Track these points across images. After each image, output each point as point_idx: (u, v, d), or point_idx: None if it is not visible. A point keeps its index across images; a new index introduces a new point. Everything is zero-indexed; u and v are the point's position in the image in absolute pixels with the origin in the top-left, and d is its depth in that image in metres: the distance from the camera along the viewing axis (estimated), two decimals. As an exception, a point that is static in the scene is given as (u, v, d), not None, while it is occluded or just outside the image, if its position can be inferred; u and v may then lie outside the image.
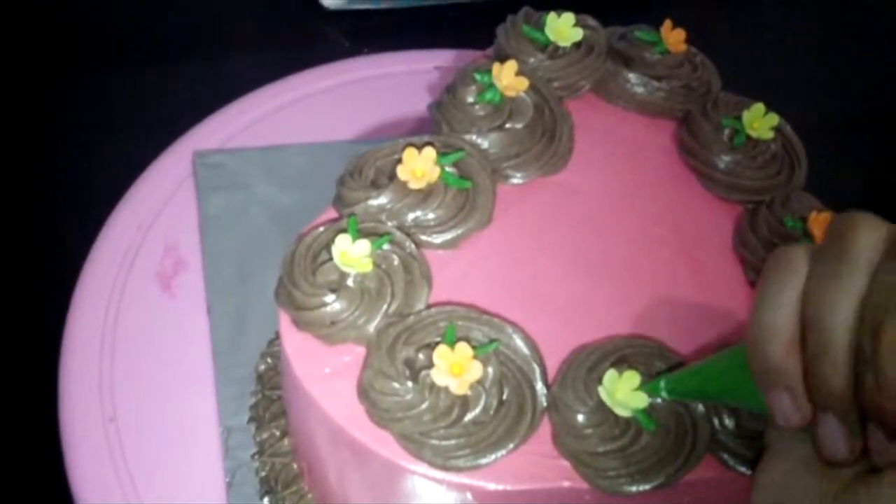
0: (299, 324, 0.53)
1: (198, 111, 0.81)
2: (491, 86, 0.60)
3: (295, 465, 0.61)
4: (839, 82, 1.04)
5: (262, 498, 0.62)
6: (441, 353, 0.49)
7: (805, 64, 1.06)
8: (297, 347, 0.53)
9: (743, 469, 0.51)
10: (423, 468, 0.50)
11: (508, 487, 0.50)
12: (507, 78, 0.60)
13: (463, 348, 0.49)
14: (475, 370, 0.49)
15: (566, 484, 0.50)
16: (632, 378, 0.50)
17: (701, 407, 0.51)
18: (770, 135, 0.62)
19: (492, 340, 0.51)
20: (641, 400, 0.50)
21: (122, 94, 0.88)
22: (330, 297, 0.52)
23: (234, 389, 0.66)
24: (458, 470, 0.49)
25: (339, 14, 0.98)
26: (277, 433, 0.62)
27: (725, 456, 0.51)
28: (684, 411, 0.51)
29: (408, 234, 0.55)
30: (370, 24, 0.98)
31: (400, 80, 0.85)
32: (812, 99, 0.99)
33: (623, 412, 0.49)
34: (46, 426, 0.65)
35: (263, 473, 0.62)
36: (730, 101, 0.64)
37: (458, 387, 0.49)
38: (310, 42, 0.98)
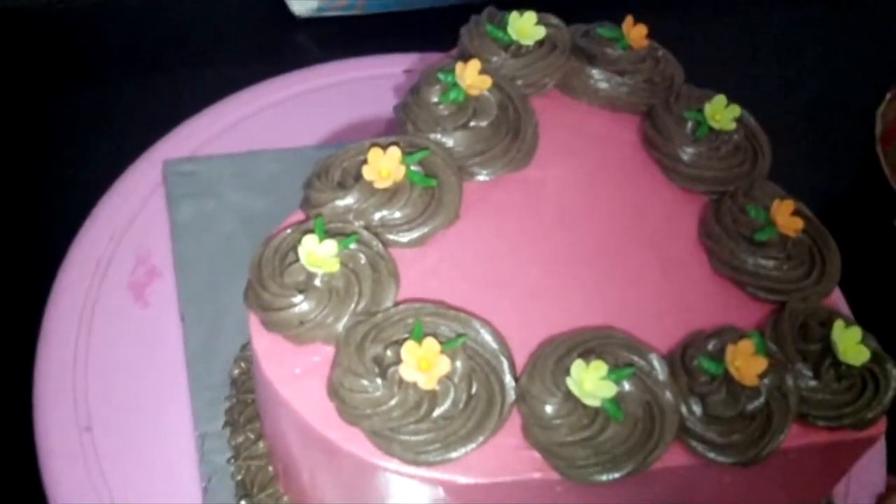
0: (268, 325, 0.53)
1: (170, 121, 0.81)
2: (454, 85, 0.60)
3: (270, 468, 0.62)
4: (806, 79, 1.05)
5: (238, 501, 0.62)
6: (409, 349, 0.49)
7: (776, 60, 1.06)
8: (268, 349, 0.53)
9: (712, 455, 0.51)
10: (393, 464, 0.50)
11: (479, 481, 0.50)
12: (471, 77, 0.60)
13: (430, 343, 0.50)
14: (443, 365, 0.49)
15: (537, 475, 0.51)
16: (599, 368, 0.50)
17: (669, 394, 0.51)
18: (732, 126, 0.63)
19: (459, 335, 0.51)
20: (609, 389, 0.50)
21: (95, 106, 0.88)
22: (298, 298, 0.52)
23: (208, 395, 0.66)
24: (429, 465, 0.50)
25: (310, 22, 0.98)
26: (252, 436, 0.63)
27: (694, 443, 0.52)
28: (652, 399, 0.51)
29: (375, 234, 0.56)
30: (341, 31, 0.99)
31: (369, 84, 0.86)
32: (779, 95, 1.00)
33: (591, 402, 0.50)
34: (22, 436, 0.65)
35: (239, 477, 0.62)
36: (692, 94, 0.65)
37: (427, 382, 0.49)
38: (281, 50, 0.98)
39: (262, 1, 1.00)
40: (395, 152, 0.56)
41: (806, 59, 1.07)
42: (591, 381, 0.50)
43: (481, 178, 0.60)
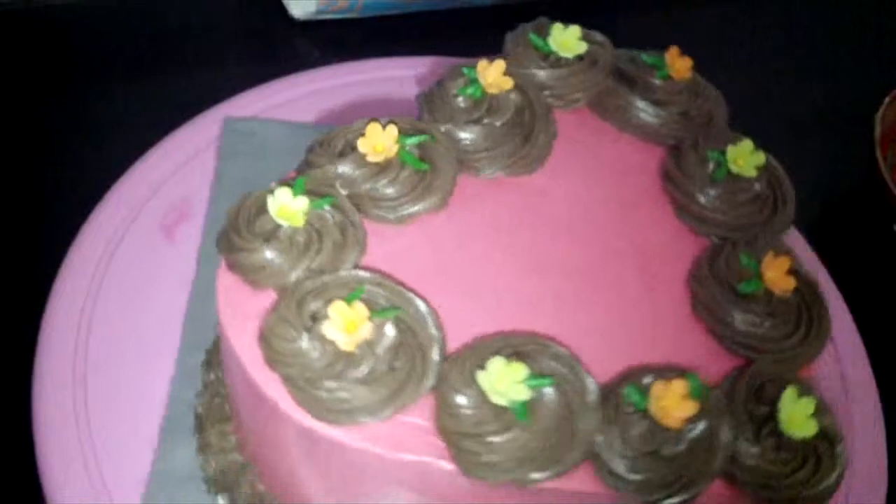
0: (231, 266, 0.55)
1: (169, 123, 0.82)
2: (475, 81, 0.61)
3: (227, 406, 0.64)
4: (808, 82, 1.03)
5: (193, 434, 0.65)
6: (337, 308, 0.51)
7: (809, 66, 1.05)
8: (227, 288, 0.56)
9: (619, 487, 0.50)
10: (302, 416, 0.51)
11: (378, 451, 0.51)
12: (492, 76, 0.61)
13: (360, 308, 0.51)
14: (365, 331, 0.50)
15: (435, 461, 0.51)
16: (518, 370, 0.50)
17: (589, 416, 0.51)
18: (753, 173, 0.61)
19: (394, 307, 0.52)
20: (522, 393, 0.50)
21: (93, 107, 0.88)
22: (260, 244, 0.54)
23: (201, 330, 0.69)
24: (336, 424, 0.51)
25: (309, 24, 0.98)
26: (221, 375, 0.65)
27: (604, 472, 0.51)
28: (569, 416, 0.51)
29: (359, 205, 0.57)
30: (340, 33, 0.98)
31: (370, 87, 0.86)
32: (780, 98, 0.98)
33: (498, 400, 0.50)
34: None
35: (199, 411, 0.65)
36: (722, 134, 0.63)
37: (346, 343, 0.50)
38: (280, 53, 0.98)
39: (261, 3, 1.00)
40: (392, 130, 0.58)
41: (807, 63, 1.05)
42: (505, 382, 0.50)
43: (484, 175, 0.61)
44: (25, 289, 0.74)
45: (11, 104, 0.87)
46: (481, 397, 0.50)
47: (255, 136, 0.80)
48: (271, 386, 0.52)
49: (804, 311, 0.57)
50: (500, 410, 0.50)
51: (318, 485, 0.58)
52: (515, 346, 0.52)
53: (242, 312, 0.54)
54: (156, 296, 0.72)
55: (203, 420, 0.65)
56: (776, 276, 0.56)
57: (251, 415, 0.58)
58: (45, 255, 0.73)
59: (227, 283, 0.56)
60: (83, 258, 0.73)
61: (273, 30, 0.99)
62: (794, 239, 0.73)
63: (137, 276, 0.73)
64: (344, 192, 0.58)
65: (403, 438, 0.51)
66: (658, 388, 0.50)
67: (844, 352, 0.76)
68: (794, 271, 0.57)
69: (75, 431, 0.66)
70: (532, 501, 0.52)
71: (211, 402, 0.65)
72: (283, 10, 0.98)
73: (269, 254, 0.54)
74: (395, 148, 0.58)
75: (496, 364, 0.50)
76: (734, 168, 0.61)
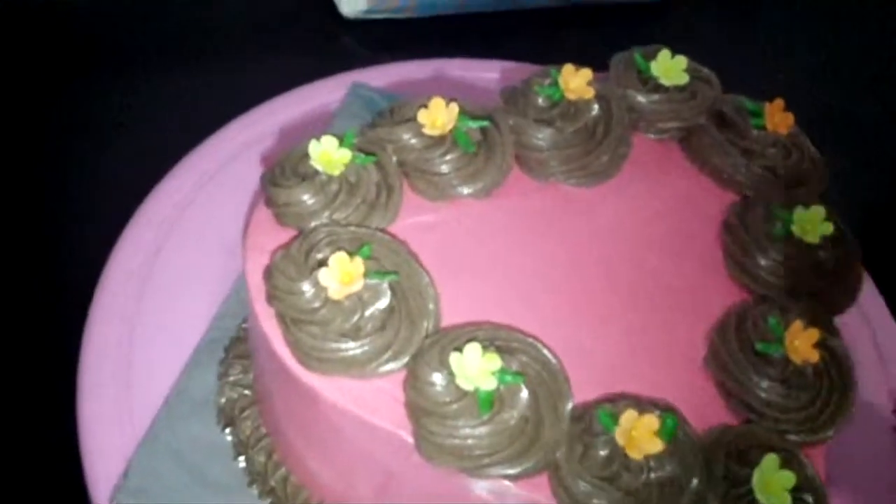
0: (268, 201, 0.57)
1: (214, 118, 0.82)
2: (556, 83, 0.61)
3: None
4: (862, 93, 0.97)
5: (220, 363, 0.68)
6: (338, 258, 0.51)
7: (828, 75, 1.00)
8: (259, 223, 0.57)
9: None
10: (287, 356, 0.52)
11: (351, 409, 0.51)
12: (574, 82, 0.61)
13: (358, 263, 0.51)
14: (359, 285, 0.51)
15: (395, 429, 0.51)
16: (491, 360, 0.49)
17: (554, 427, 0.49)
18: (817, 240, 0.58)
19: (393, 272, 0.52)
20: (489, 383, 0.49)
21: (141, 98, 0.90)
22: (294, 182, 0.56)
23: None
24: (314, 370, 0.52)
25: (358, 23, 0.98)
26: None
27: (560, 488, 0.49)
28: (534, 420, 0.50)
29: (407, 173, 0.58)
30: (388, 33, 0.97)
31: (418, 88, 0.84)
32: (814, 103, 0.90)
33: (464, 384, 0.49)
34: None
35: (227, 342, 0.68)
36: (798, 197, 0.60)
37: (337, 292, 0.51)
38: (328, 51, 0.97)
39: (311, 1, 0.99)
40: (454, 108, 0.58)
41: (845, 65, 1.01)
42: (475, 368, 0.49)
43: (539, 176, 0.60)
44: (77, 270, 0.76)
45: (44, 98, 0.89)
46: (451, 379, 0.50)
47: (376, 106, 0.81)
48: (268, 321, 0.53)
49: (823, 389, 0.53)
50: (466, 396, 0.49)
51: (300, 436, 0.59)
52: (499, 339, 0.51)
53: (264, 247, 0.56)
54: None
55: (229, 351, 0.67)
56: (801, 345, 0.53)
57: (256, 349, 0.59)
58: (91, 244, 0.76)
59: (260, 216, 0.58)
60: (131, 247, 0.76)
61: (322, 27, 0.99)
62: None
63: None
64: (394, 157, 0.58)
65: (376, 403, 0.51)
66: (629, 416, 0.49)
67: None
68: (823, 345, 0.53)
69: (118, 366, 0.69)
70: None
71: (238, 332, 0.67)
72: (333, 8, 0.99)
73: (299, 193, 0.55)
74: (452, 125, 0.58)
75: (471, 349, 0.50)
76: (797, 231, 0.58)
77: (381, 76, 0.86)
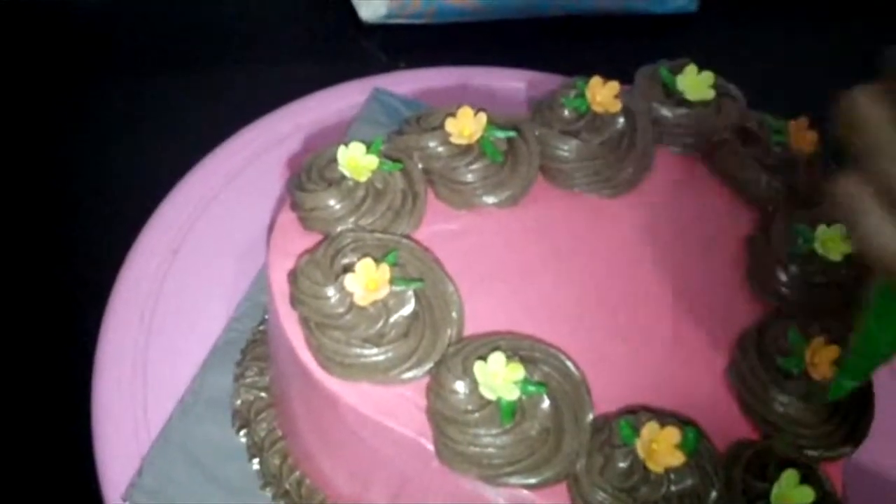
0: (294, 205, 0.58)
1: (234, 120, 0.83)
2: (583, 95, 0.61)
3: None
4: None
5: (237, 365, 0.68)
6: (364, 265, 0.52)
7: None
8: (284, 226, 0.58)
9: None
10: (309, 360, 0.52)
11: (370, 415, 0.51)
12: (601, 94, 0.61)
13: (384, 270, 0.52)
14: (385, 292, 0.51)
15: (422, 440, 0.51)
16: (515, 370, 0.50)
17: (572, 438, 0.50)
18: (839, 257, 0.58)
19: (419, 279, 0.53)
20: (512, 393, 0.49)
21: (162, 100, 0.90)
22: (321, 187, 0.56)
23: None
24: (336, 376, 0.52)
25: (377, 28, 0.97)
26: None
27: (578, 497, 0.49)
28: (554, 430, 0.50)
29: (433, 181, 0.58)
30: (408, 38, 0.97)
31: (436, 95, 0.85)
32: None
33: (488, 394, 0.49)
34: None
35: (243, 344, 0.68)
36: (822, 215, 0.60)
37: (361, 299, 0.51)
38: (347, 55, 0.97)
39: (331, 5, 0.99)
40: (481, 118, 0.58)
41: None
42: (499, 378, 0.49)
43: (564, 186, 0.61)
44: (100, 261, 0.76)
45: (73, 97, 0.89)
46: (474, 388, 0.50)
47: (398, 113, 0.82)
48: (291, 325, 0.54)
49: (842, 405, 0.53)
50: (488, 405, 0.50)
51: (317, 439, 0.59)
52: (523, 349, 0.52)
53: (288, 250, 0.56)
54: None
55: (246, 352, 0.67)
56: (821, 361, 0.53)
57: (276, 352, 0.60)
58: (109, 245, 0.76)
59: (285, 220, 0.58)
60: (149, 248, 0.76)
61: (341, 32, 0.99)
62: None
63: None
64: (420, 165, 0.59)
65: (397, 410, 0.51)
66: (650, 428, 0.49)
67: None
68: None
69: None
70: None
71: (255, 335, 0.67)
72: (352, 13, 0.98)
73: (325, 198, 0.56)
74: (480, 135, 0.58)
75: (495, 359, 0.50)
76: (819, 249, 0.58)
77: (405, 82, 0.86)
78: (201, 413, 0.67)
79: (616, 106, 0.61)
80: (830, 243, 0.58)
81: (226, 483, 0.64)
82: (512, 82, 0.86)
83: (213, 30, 0.98)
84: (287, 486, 0.63)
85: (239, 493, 0.64)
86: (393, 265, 0.52)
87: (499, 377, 0.49)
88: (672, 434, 0.49)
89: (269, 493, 0.64)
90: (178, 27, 0.97)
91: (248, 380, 0.66)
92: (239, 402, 0.66)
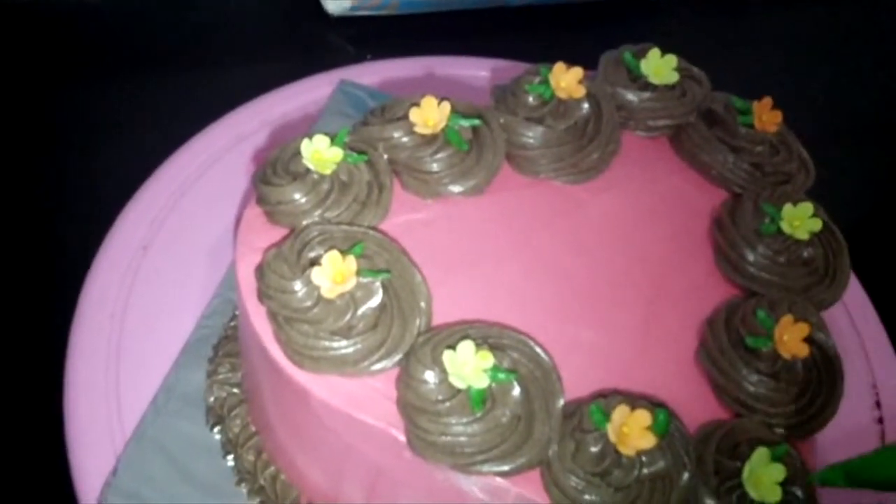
0: (257, 199, 0.57)
1: (202, 116, 0.83)
2: (547, 81, 0.61)
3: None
4: (848, 90, 0.98)
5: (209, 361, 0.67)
6: (331, 257, 0.51)
7: (814, 72, 1.00)
8: (250, 221, 0.57)
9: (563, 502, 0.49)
10: (278, 354, 0.52)
11: (340, 407, 0.51)
12: (565, 80, 0.61)
13: (351, 262, 0.51)
14: (352, 284, 0.51)
15: (393, 431, 0.51)
16: (484, 358, 0.49)
17: (544, 424, 0.50)
18: (805, 237, 0.58)
19: (386, 270, 0.52)
20: (482, 381, 0.49)
21: (129, 98, 0.90)
22: (286, 181, 0.56)
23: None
24: (305, 369, 0.52)
25: (343, 20, 0.98)
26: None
27: (552, 485, 0.49)
28: (525, 417, 0.50)
29: (398, 172, 0.58)
30: (374, 30, 0.98)
31: (402, 85, 0.85)
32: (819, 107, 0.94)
33: (457, 382, 0.49)
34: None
35: (214, 341, 0.68)
36: (787, 195, 0.60)
37: (330, 291, 0.51)
38: (314, 48, 0.97)
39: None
40: (445, 107, 0.58)
41: (833, 63, 1.02)
42: (468, 366, 0.49)
43: (530, 173, 0.61)
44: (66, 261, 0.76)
45: (36, 99, 0.89)
46: (444, 377, 0.50)
47: (364, 104, 0.81)
48: (259, 320, 0.53)
49: (812, 383, 0.54)
50: (458, 394, 0.49)
51: (290, 434, 0.59)
52: (492, 337, 0.52)
53: (255, 245, 0.56)
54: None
55: (217, 349, 0.67)
56: (790, 340, 0.53)
57: (246, 347, 0.59)
58: (78, 243, 0.76)
59: (251, 215, 0.58)
60: (119, 245, 0.76)
61: (307, 25, 0.99)
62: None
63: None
64: (385, 156, 0.58)
65: (367, 401, 0.51)
66: (620, 412, 0.49)
67: (877, 364, 0.75)
68: (812, 340, 0.54)
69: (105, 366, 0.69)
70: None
71: (227, 331, 0.67)
72: (317, 6, 0.98)
73: (291, 192, 0.55)
74: (444, 124, 0.58)
75: (464, 347, 0.50)
76: (786, 228, 0.58)
77: (370, 73, 0.86)
78: (175, 410, 0.67)
79: (580, 91, 0.61)
80: (797, 222, 0.59)
81: (201, 480, 0.64)
82: (477, 70, 0.86)
83: (178, 28, 0.98)
84: (262, 482, 0.63)
85: (214, 490, 0.64)
86: (360, 257, 0.52)
87: (468, 365, 0.49)
88: (642, 417, 0.49)
89: (244, 489, 0.64)
90: (143, 27, 0.97)
91: (221, 376, 0.66)
92: (212, 398, 0.66)
